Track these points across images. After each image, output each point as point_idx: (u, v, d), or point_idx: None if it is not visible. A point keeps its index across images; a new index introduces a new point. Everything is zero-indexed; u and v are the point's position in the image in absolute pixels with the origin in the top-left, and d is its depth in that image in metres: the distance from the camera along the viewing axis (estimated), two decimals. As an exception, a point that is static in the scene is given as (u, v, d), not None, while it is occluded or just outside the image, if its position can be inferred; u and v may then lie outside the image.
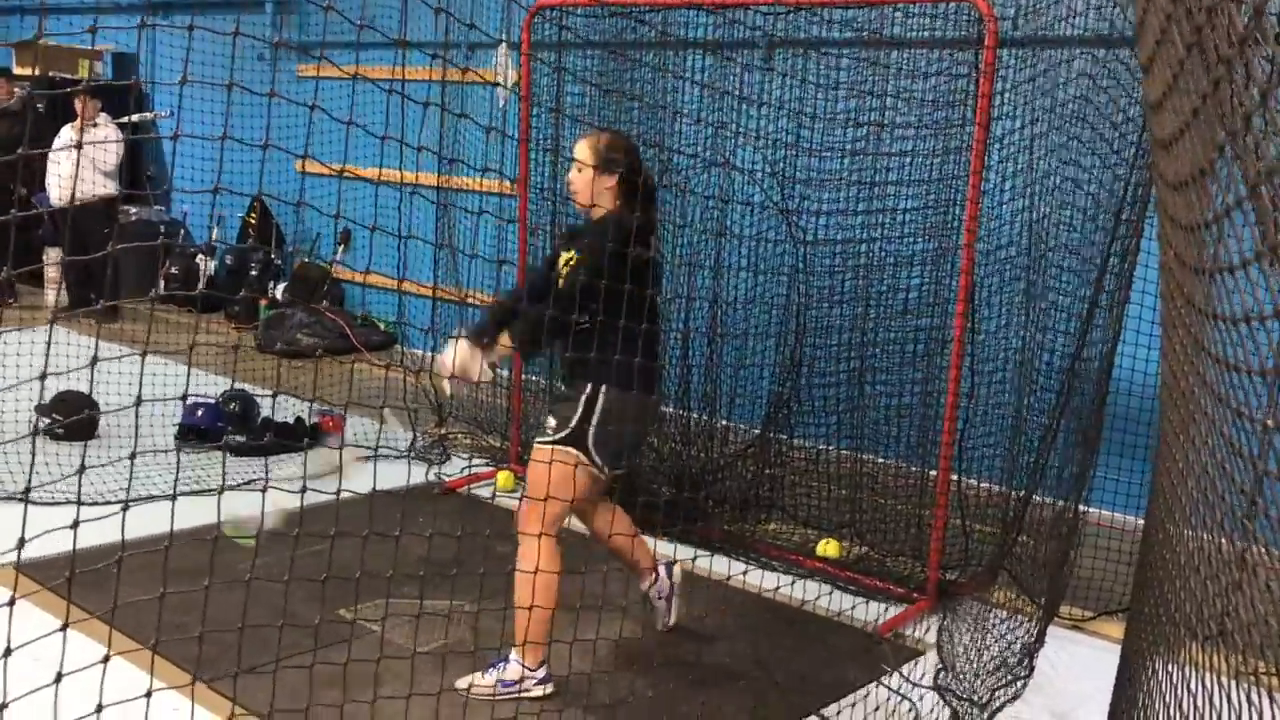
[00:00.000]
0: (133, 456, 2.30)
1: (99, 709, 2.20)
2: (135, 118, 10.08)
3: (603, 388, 3.82)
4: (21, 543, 2.00)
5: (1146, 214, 4.35)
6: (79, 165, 9.27)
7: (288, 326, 9.27)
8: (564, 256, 4.04)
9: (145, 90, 10.93)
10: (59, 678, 2.08)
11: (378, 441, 5.94)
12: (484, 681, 3.87)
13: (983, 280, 5.12)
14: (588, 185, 3.96)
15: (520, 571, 3.66)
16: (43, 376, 2.04)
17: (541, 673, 3.88)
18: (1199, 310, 1.48)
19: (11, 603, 2.11)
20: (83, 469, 2.17)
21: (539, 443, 3.89)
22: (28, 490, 2.14)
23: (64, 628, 2.14)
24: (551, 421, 3.90)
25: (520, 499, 3.88)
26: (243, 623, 2.53)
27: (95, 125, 9.48)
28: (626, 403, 3.83)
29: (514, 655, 3.86)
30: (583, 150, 4.01)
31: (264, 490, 2.75)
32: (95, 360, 2.12)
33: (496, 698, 3.81)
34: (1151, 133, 1.95)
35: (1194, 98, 1.41)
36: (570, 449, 3.82)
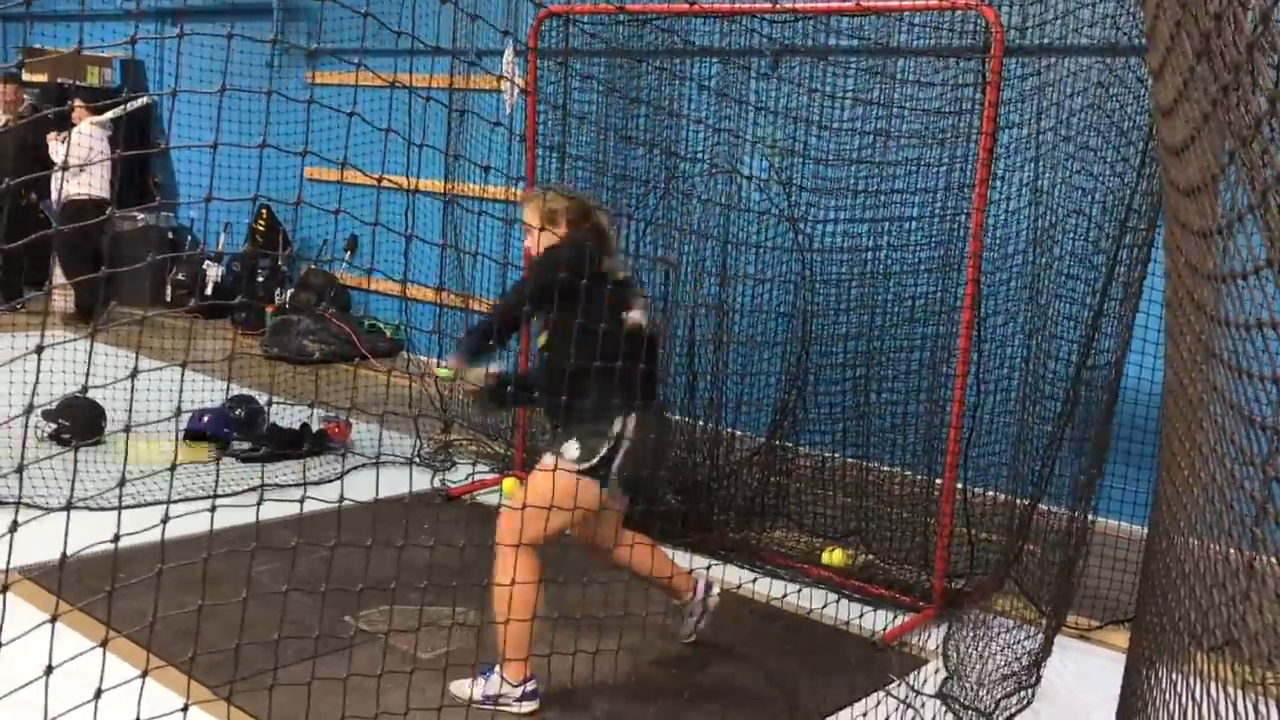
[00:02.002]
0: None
1: (97, 694, 2.19)
2: (111, 114, 10.00)
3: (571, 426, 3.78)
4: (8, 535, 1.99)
5: (1155, 221, 4.34)
6: (58, 169, 9.30)
7: (293, 333, 9.28)
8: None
9: (153, 99, 10.95)
10: (48, 670, 2.08)
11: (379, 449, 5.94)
12: (469, 692, 3.80)
13: (989, 288, 5.11)
14: (537, 244, 3.97)
15: (497, 585, 3.64)
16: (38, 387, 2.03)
17: (523, 689, 3.78)
18: (1210, 316, 1.48)
19: (4, 587, 2.10)
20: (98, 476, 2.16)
21: (562, 468, 3.74)
22: (30, 496, 2.13)
23: (52, 619, 2.14)
24: (574, 450, 3.76)
25: (499, 509, 3.84)
26: (241, 626, 2.53)
27: (73, 127, 9.48)
28: (645, 426, 3.78)
29: (499, 669, 3.81)
30: (528, 214, 4.01)
31: (260, 496, 2.74)
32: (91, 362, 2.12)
33: (483, 708, 3.75)
34: (1162, 139, 1.95)
35: (1204, 104, 1.41)
36: (591, 480, 3.75)
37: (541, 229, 3.94)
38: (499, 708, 3.78)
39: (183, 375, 2.30)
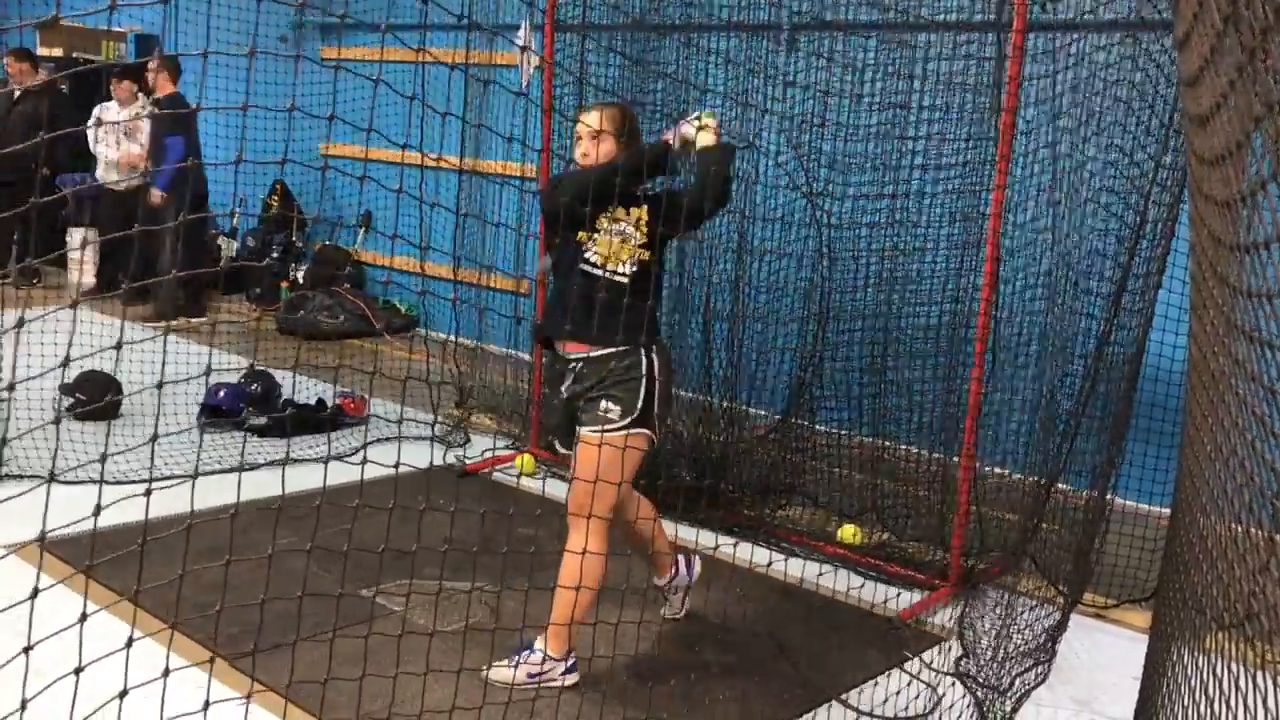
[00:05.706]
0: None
1: (128, 643, 2.20)
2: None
3: (653, 351, 3.71)
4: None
5: (1178, 198, 4.31)
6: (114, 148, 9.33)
7: (309, 309, 9.29)
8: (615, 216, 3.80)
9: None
10: (82, 617, 2.09)
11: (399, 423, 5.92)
12: (512, 674, 3.74)
13: (1009, 265, 5.07)
14: (606, 156, 3.81)
15: (569, 554, 3.59)
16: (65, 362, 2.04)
17: (567, 662, 3.79)
18: (1232, 288, 1.46)
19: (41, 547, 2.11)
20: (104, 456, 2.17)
21: (606, 430, 3.65)
22: (51, 475, 2.14)
23: (86, 569, 2.14)
24: (614, 409, 3.67)
25: (570, 482, 3.73)
26: (261, 600, 2.53)
27: (143, 109, 9.53)
28: (666, 356, 3.76)
29: (538, 644, 3.78)
30: (606, 119, 3.83)
31: (284, 465, 2.75)
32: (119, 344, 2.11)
33: (528, 686, 3.70)
34: (1186, 109, 1.92)
35: (1230, 72, 1.39)
36: (643, 430, 3.69)
37: (598, 136, 3.80)
38: (545, 684, 3.74)
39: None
